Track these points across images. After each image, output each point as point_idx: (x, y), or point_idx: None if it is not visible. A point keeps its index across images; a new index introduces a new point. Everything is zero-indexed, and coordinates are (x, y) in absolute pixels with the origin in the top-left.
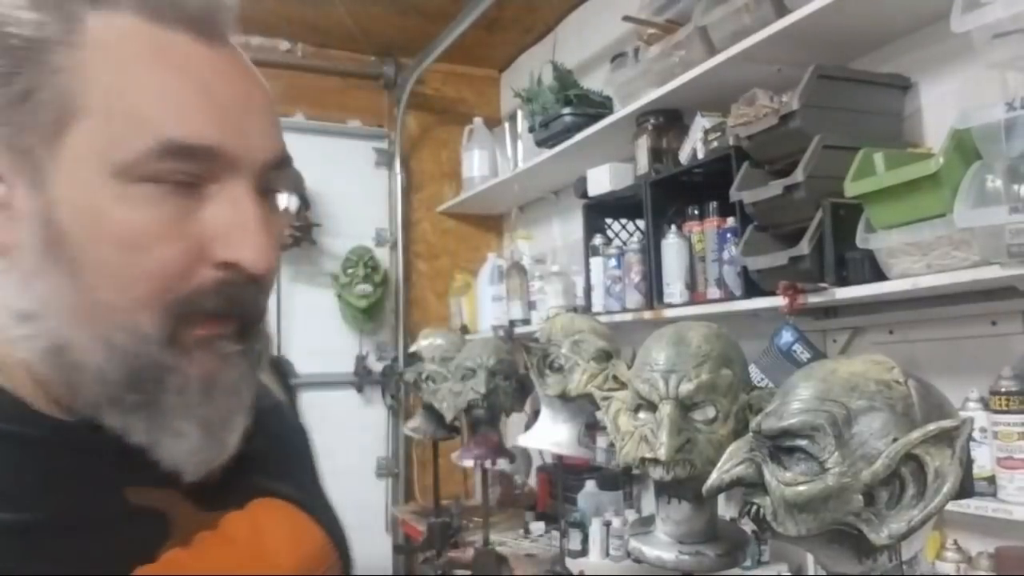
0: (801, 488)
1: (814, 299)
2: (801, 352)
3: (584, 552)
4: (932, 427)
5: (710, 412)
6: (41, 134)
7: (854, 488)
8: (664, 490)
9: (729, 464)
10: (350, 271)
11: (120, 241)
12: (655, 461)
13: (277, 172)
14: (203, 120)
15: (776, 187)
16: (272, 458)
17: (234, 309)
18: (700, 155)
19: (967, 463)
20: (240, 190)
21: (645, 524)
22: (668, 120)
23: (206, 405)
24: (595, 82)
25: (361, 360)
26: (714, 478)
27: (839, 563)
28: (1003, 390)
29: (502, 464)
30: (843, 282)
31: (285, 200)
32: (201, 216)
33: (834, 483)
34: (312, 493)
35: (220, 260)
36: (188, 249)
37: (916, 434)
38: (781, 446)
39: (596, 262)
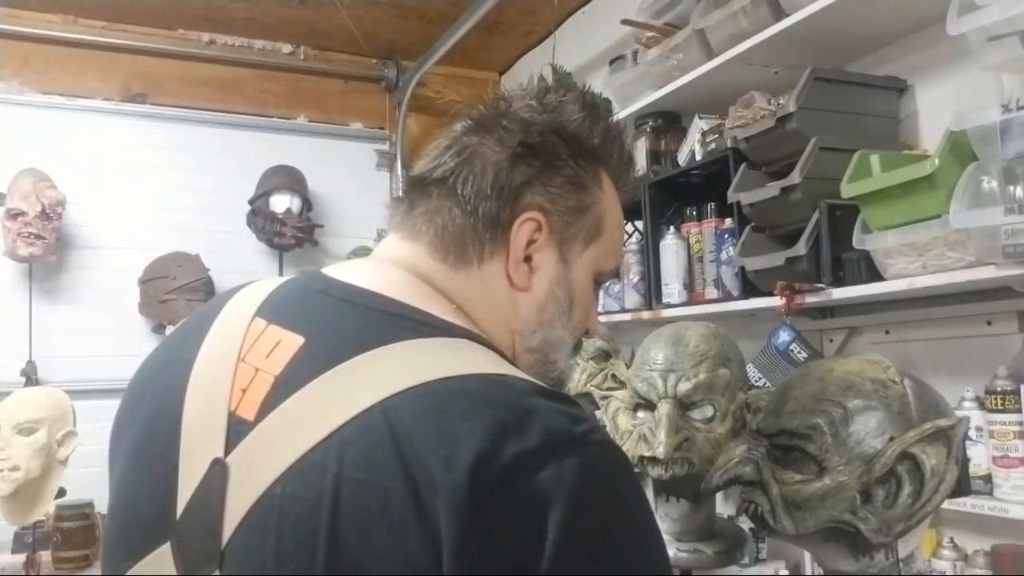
0: (798, 486)
1: (811, 299)
2: (798, 352)
3: None
4: (928, 426)
5: (708, 411)
6: (580, 238)
7: (851, 486)
8: (662, 488)
9: (727, 463)
10: None
11: (583, 308)
12: (654, 459)
13: None
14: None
15: (773, 188)
16: None
17: (579, 346)
18: (698, 157)
19: (963, 462)
20: (599, 292)
21: None
22: (666, 122)
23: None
24: (594, 85)
25: None
26: (712, 476)
27: (836, 561)
28: (999, 389)
29: None
30: (840, 282)
31: None
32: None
33: (831, 482)
34: None
35: (586, 328)
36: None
37: (912, 433)
38: (779, 445)
39: None
